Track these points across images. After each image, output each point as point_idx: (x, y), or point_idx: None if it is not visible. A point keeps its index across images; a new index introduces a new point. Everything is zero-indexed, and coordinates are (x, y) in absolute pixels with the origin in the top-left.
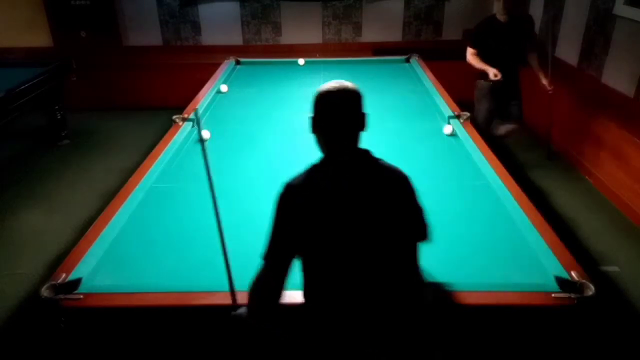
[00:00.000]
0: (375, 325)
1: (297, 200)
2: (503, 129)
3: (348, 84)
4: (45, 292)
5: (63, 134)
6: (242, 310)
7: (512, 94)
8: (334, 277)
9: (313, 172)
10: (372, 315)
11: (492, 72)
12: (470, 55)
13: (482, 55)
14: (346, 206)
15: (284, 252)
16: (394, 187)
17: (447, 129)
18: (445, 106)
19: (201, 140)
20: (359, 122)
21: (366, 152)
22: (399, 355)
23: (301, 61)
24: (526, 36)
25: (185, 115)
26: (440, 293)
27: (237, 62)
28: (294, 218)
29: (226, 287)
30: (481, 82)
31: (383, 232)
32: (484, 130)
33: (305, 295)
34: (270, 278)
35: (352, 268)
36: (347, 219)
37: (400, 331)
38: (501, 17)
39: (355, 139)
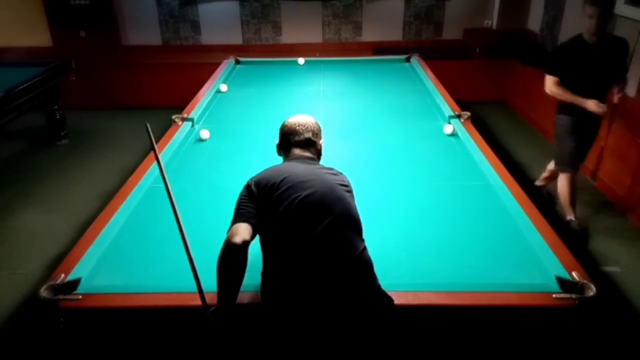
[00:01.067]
0: (326, 308)
1: (258, 185)
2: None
3: (304, 120)
4: (44, 292)
5: (62, 134)
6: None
7: (595, 132)
8: (290, 255)
9: (271, 168)
10: (323, 298)
11: (591, 104)
12: (552, 84)
13: (563, 84)
14: (302, 189)
15: (250, 214)
16: (343, 181)
17: (448, 129)
18: (445, 106)
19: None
20: (310, 147)
21: (314, 159)
22: (357, 342)
23: (301, 61)
24: (617, 62)
25: (185, 115)
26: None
27: (237, 62)
28: (255, 195)
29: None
30: (564, 118)
31: (336, 213)
32: (571, 171)
33: (263, 274)
34: (240, 229)
35: (307, 245)
36: (302, 199)
37: (355, 317)
38: (590, 38)
39: (314, 151)
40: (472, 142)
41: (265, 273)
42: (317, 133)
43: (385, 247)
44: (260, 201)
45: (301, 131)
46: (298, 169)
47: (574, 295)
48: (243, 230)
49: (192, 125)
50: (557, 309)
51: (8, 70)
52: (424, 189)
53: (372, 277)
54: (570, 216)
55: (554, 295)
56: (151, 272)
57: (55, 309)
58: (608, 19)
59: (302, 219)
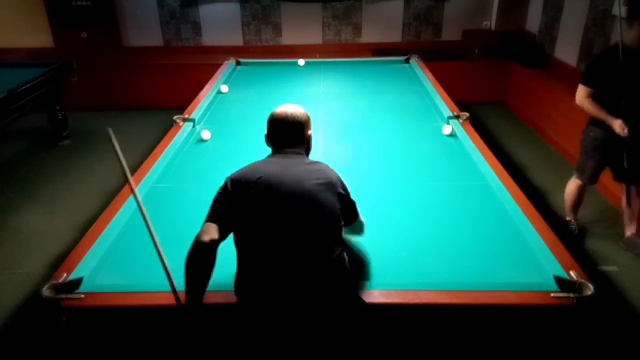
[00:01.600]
0: (293, 311)
1: (234, 181)
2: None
3: (293, 109)
4: (46, 291)
5: (64, 134)
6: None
7: (635, 150)
8: (260, 253)
9: (252, 165)
10: (289, 300)
11: (617, 125)
12: (584, 96)
13: (598, 96)
14: (274, 189)
15: (222, 214)
16: (318, 178)
17: (447, 129)
18: (444, 106)
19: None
20: (296, 141)
21: (300, 153)
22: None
23: (301, 62)
24: None
25: (186, 116)
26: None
27: (238, 63)
28: (230, 193)
29: (224, 287)
30: (595, 130)
31: (304, 213)
32: (586, 182)
33: (237, 273)
34: (211, 229)
35: (276, 245)
36: (273, 200)
37: (321, 313)
38: (635, 46)
39: (300, 145)
40: (471, 142)
41: (238, 272)
42: (305, 124)
43: (385, 247)
44: (235, 200)
45: (288, 123)
46: (275, 167)
47: (571, 294)
48: (213, 230)
49: (193, 126)
50: (555, 307)
51: (10, 71)
52: (423, 189)
53: (339, 280)
54: (569, 217)
55: (552, 294)
56: (153, 271)
57: (58, 308)
58: None
59: (272, 220)
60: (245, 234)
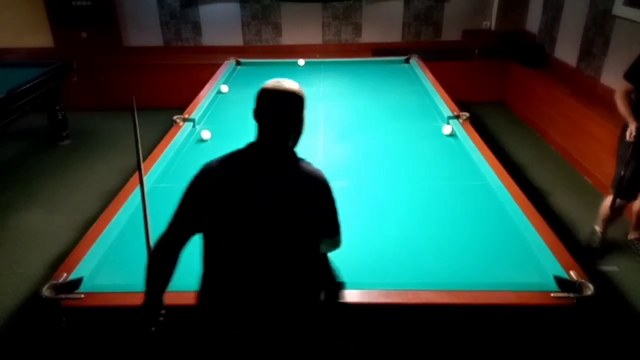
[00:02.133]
0: (261, 311)
1: (204, 179)
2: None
3: (289, 85)
4: (46, 291)
5: (64, 134)
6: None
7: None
8: (226, 258)
9: (230, 157)
10: (259, 300)
11: (632, 128)
12: (620, 91)
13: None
14: (246, 192)
15: (185, 223)
16: (301, 184)
17: (447, 129)
18: (444, 106)
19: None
20: (288, 121)
21: (287, 151)
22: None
23: (301, 62)
24: None
25: (186, 116)
26: (334, 293)
27: (238, 63)
28: (198, 195)
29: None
30: (625, 134)
31: (278, 223)
32: (621, 198)
33: (203, 273)
34: (170, 241)
35: (242, 252)
36: (244, 204)
37: (287, 322)
38: None
39: (281, 136)
40: (471, 142)
41: (201, 276)
42: (297, 108)
43: (385, 247)
44: (201, 200)
45: (277, 107)
46: (249, 168)
47: (571, 294)
48: (173, 235)
49: (194, 126)
50: (555, 307)
51: (10, 71)
52: (423, 189)
53: (301, 295)
54: (597, 227)
55: (552, 294)
56: None
57: (58, 308)
58: None
59: (239, 232)
60: (209, 240)
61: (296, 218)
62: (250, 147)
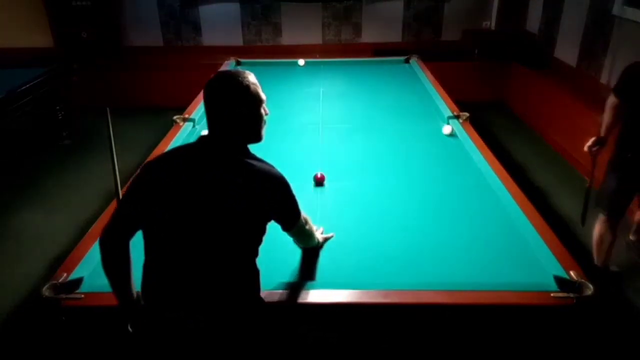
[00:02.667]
0: (199, 309)
1: (146, 173)
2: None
3: (236, 76)
4: (46, 291)
5: (64, 134)
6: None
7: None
8: (164, 255)
9: (178, 149)
10: (196, 298)
11: (590, 140)
12: (608, 106)
13: (629, 112)
14: (186, 187)
15: (126, 212)
16: (247, 180)
17: (446, 130)
18: (444, 107)
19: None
20: (232, 114)
21: (234, 145)
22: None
23: (301, 62)
24: None
25: (186, 116)
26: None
27: (238, 63)
28: (139, 184)
29: None
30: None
31: (219, 219)
32: (605, 214)
33: (143, 270)
34: (113, 232)
35: (181, 249)
36: (182, 195)
37: (224, 323)
38: None
39: (227, 130)
40: (471, 142)
41: (143, 272)
42: (251, 100)
43: (385, 247)
44: (142, 189)
45: (225, 102)
46: (193, 160)
47: (572, 294)
48: (117, 225)
49: (194, 126)
50: (555, 307)
51: (10, 71)
52: (423, 189)
53: (242, 289)
54: (597, 263)
55: (552, 294)
56: None
57: (58, 308)
58: None
59: (172, 220)
60: (148, 233)
61: (235, 212)
62: (199, 140)
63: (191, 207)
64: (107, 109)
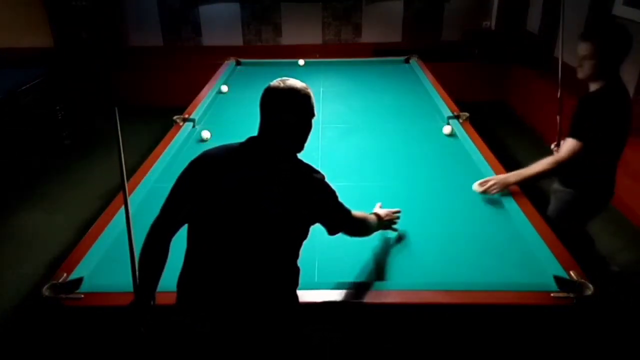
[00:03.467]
0: (234, 307)
1: (197, 164)
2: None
3: (293, 83)
4: (46, 291)
5: (64, 134)
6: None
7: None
8: (205, 252)
9: (227, 147)
10: (233, 295)
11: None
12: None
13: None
14: (231, 186)
15: (174, 205)
16: (292, 185)
17: (446, 130)
18: (444, 107)
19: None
20: (293, 127)
21: (284, 148)
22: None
23: (301, 62)
24: None
25: (186, 116)
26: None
27: (238, 63)
28: (188, 178)
29: None
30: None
31: (260, 221)
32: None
33: (184, 264)
34: (160, 227)
35: (221, 247)
36: (227, 198)
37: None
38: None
39: (279, 133)
40: (471, 142)
41: (182, 268)
42: (303, 110)
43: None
44: (194, 189)
45: (278, 107)
46: (242, 159)
47: (571, 294)
48: (164, 218)
49: (193, 126)
50: (555, 307)
51: (10, 71)
52: (423, 189)
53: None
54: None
55: (552, 294)
56: None
57: (58, 308)
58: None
59: (218, 216)
60: (195, 231)
61: (277, 215)
62: (249, 140)
63: (234, 207)
64: (115, 108)
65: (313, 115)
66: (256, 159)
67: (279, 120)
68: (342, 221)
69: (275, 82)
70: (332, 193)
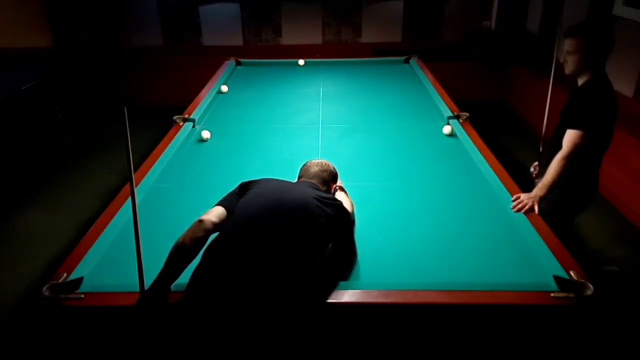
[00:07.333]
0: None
1: (245, 186)
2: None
3: (327, 162)
4: (46, 291)
5: (64, 135)
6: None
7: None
8: (225, 249)
9: (269, 178)
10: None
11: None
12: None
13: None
14: (277, 200)
15: (229, 203)
16: (326, 206)
17: (446, 130)
18: (444, 107)
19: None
20: (320, 177)
21: (313, 184)
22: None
23: (301, 62)
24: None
25: (186, 116)
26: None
27: (238, 63)
28: (243, 189)
29: None
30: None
31: (293, 231)
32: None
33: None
34: (216, 209)
35: (250, 253)
36: (273, 209)
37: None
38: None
39: (315, 178)
40: (471, 142)
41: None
42: (329, 174)
43: (385, 247)
44: (244, 195)
45: (314, 167)
46: (283, 183)
47: (571, 294)
48: (217, 211)
49: (193, 126)
50: (555, 307)
51: (10, 71)
52: (423, 189)
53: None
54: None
55: (552, 294)
56: (153, 271)
57: (58, 308)
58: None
59: (249, 222)
60: (229, 231)
61: (310, 227)
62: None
63: (275, 217)
64: (125, 108)
65: (336, 180)
66: (300, 188)
67: (314, 176)
68: (347, 239)
69: (309, 163)
70: (351, 225)
